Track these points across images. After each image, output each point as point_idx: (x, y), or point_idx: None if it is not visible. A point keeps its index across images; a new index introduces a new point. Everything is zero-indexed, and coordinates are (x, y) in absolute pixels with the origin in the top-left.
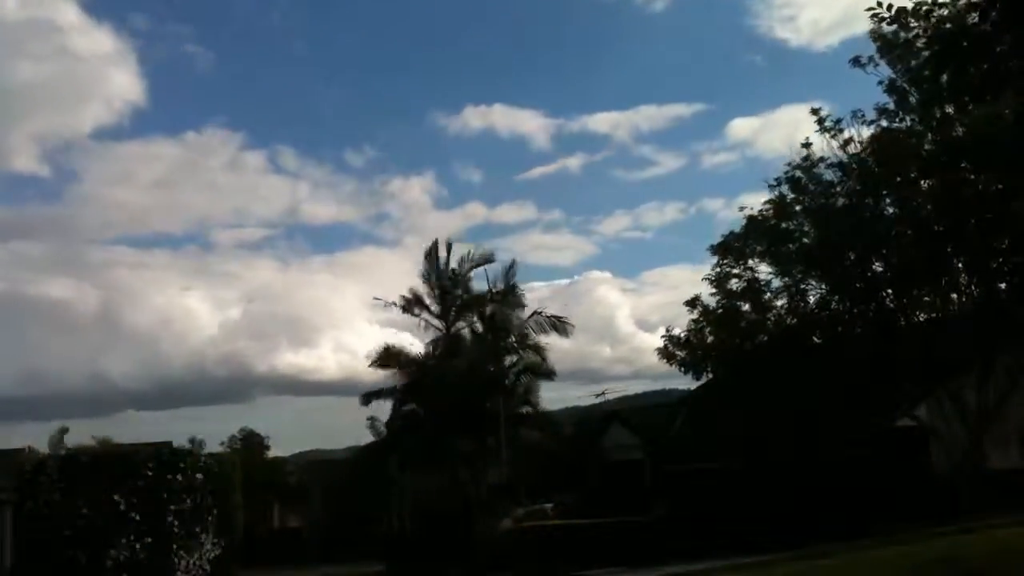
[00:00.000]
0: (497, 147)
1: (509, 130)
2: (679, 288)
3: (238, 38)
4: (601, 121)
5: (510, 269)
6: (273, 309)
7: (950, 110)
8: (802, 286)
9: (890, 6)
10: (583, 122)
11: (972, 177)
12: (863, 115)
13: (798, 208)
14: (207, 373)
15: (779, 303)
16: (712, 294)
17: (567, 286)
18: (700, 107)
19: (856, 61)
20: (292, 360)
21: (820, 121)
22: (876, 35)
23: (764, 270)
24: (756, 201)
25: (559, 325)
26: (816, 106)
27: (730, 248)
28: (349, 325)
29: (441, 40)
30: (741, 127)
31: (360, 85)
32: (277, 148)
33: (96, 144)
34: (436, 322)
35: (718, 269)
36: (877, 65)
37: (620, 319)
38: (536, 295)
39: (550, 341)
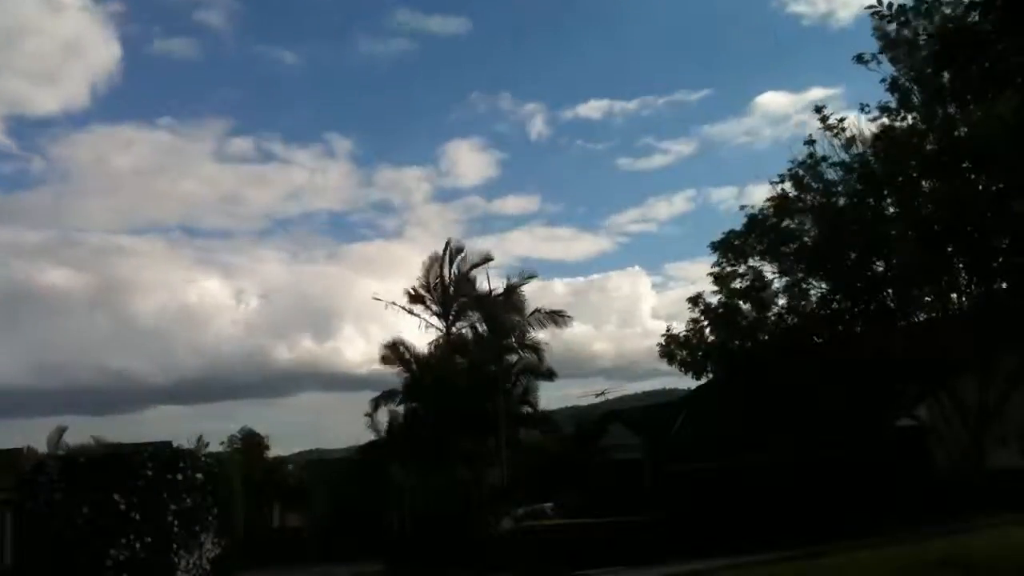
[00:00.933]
0: (504, 137)
1: (516, 118)
2: (700, 282)
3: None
4: (609, 109)
5: (526, 277)
6: (297, 302)
7: (952, 109)
8: (803, 285)
9: (890, 4)
10: (591, 110)
11: (973, 177)
12: (868, 108)
13: (800, 206)
14: (231, 368)
15: (780, 302)
16: (713, 292)
17: (595, 280)
18: (708, 92)
19: (859, 58)
20: (320, 354)
21: (823, 119)
22: (879, 32)
23: (766, 269)
24: (761, 194)
25: (558, 319)
26: (820, 104)
27: (731, 246)
28: (379, 318)
29: (443, 26)
30: (751, 115)
31: (360, 74)
32: (269, 135)
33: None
34: (437, 322)
35: (719, 267)
36: (880, 63)
37: (648, 312)
38: (560, 288)
39: (582, 337)
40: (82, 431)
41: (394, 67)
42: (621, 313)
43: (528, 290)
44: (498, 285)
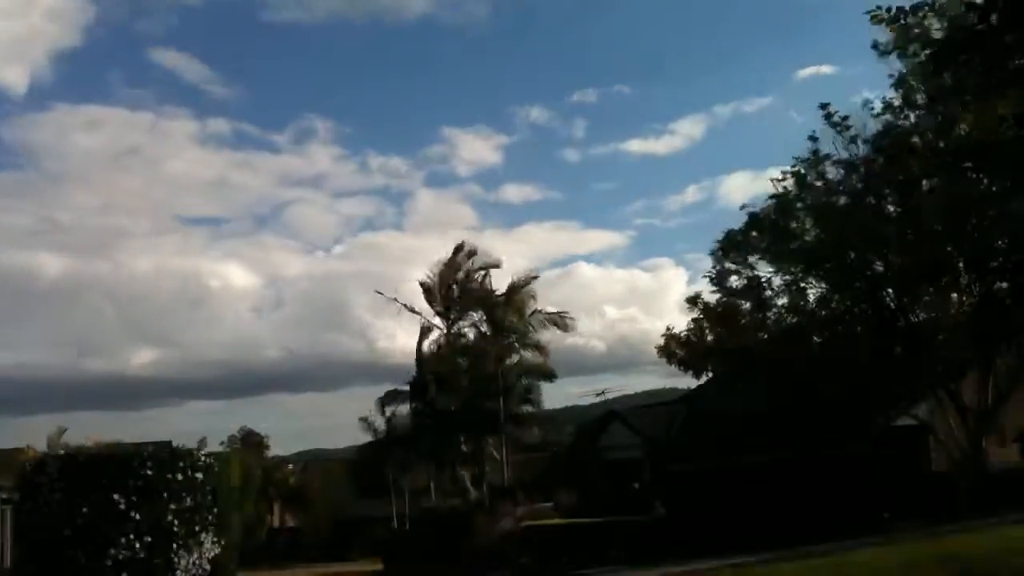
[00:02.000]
0: (512, 129)
1: (522, 112)
2: (699, 282)
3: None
4: (615, 100)
5: (530, 277)
6: (331, 297)
7: (952, 108)
8: (802, 284)
9: (889, 8)
10: (597, 102)
11: (973, 177)
12: (871, 107)
13: (800, 206)
14: (259, 364)
15: (780, 302)
16: (712, 291)
17: (626, 272)
18: (716, 80)
19: (875, 46)
20: (355, 348)
21: (828, 116)
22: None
23: (765, 268)
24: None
25: (559, 322)
26: (825, 101)
27: (734, 244)
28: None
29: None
30: (756, 101)
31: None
32: (263, 122)
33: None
34: (439, 321)
35: (718, 267)
36: (890, 56)
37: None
38: (585, 280)
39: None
40: (99, 428)
41: (396, 56)
42: (675, 306)
43: (552, 285)
44: (504, 284)
